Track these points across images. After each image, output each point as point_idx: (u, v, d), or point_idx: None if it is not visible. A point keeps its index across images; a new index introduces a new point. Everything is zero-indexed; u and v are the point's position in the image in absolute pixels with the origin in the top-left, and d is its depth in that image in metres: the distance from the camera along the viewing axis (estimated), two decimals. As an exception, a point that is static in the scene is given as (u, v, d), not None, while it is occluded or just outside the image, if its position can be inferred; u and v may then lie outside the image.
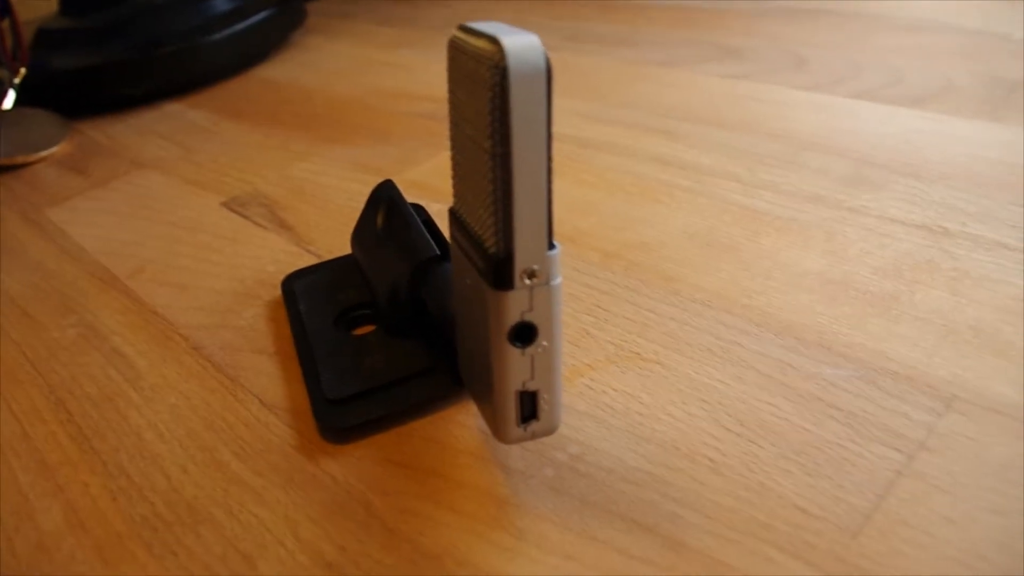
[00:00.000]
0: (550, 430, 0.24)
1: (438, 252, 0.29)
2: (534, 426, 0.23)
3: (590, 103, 0.49)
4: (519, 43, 0.19)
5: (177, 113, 0.58)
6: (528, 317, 0.22)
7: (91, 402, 0.31)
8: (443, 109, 0.51)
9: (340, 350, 0.30)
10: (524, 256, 0.21)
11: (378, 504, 0.25)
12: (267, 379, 0.30)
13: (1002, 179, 0.36)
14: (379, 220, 0.33)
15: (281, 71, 0.63)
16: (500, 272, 0.21)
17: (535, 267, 0.21)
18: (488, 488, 0.25)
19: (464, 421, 0.27)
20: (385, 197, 0.33)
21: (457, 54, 0.21)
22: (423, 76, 0.58)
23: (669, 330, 0.30)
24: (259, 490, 0.26)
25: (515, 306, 0.21)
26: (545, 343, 0.22)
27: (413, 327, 0.30)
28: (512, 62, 0.19)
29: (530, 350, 0.22)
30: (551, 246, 0.21)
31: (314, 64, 0.64)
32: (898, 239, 0.33)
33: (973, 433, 0.25)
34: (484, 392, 0.24)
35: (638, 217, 0.37)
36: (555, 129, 0.45)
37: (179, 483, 0.27)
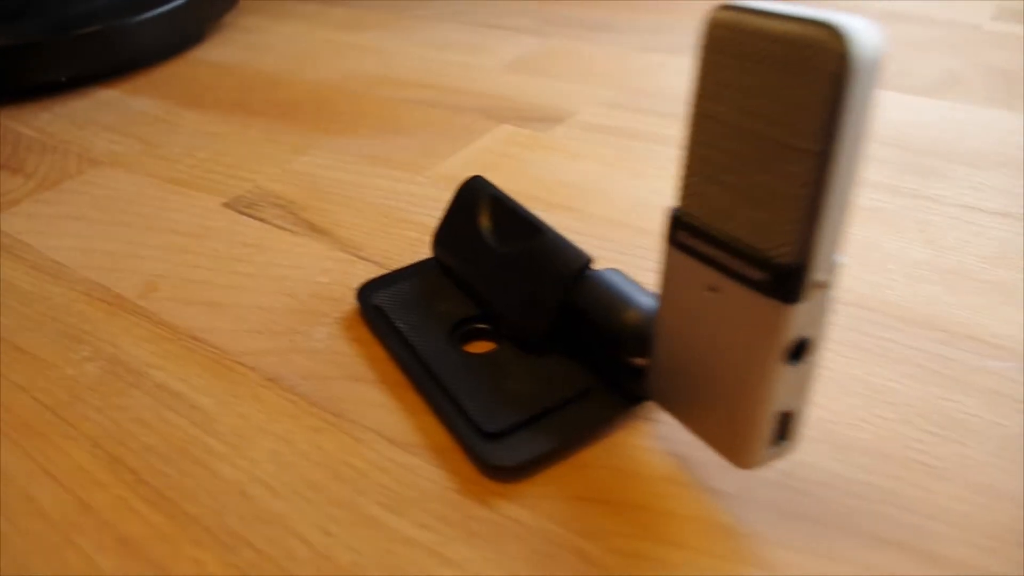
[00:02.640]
0: (791, 451, 0.21)
1: (590, 257, 0.26)
2: (781, 448, 0.21)
3: (611, 90, 0.47)
4: (858, 27, 0.16)
5: (114, 101, 0.50)
6: (807, 332, 0.19)
7: (157, 455, 0.25)
8: (443, 97, 0.47)
9: (469, 373, 0.26)
10: (819, 266, 0.18)
11: (590, 549, 0.21)
12: (382, 412, 0.26)
13: (1045, 164, 0.38)
14: (484, 222, 0.29)
15: (226, 54, 0.56)
16: (792, 283, 0.18)
17: (825, 278, 0.19)
18: (706, 517, 0.22)
19: (640, 444, 0.25)
20: (486, 196, 0.29)
21: (738, 35, 0.18)
22: (402, 61, 0.53)
23: (812, 329, 0.28)
24: (435, 547, 0.22)
25: (800, 320, 0.19)
26: (812, 358, 0.20)
27: (549, 342, 0.27)
28: (855, 49, 0.16)
29: (799, 367, 0.20)
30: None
31: (265, 47, 0.57)
32: (988, 227, 0.33)
33: None
34: (714, 412, 0.22)
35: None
36: (588, 119, 0.43)
37: (326, 548, 0.22)
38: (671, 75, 0.48)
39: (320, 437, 0.25)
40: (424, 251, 0.33)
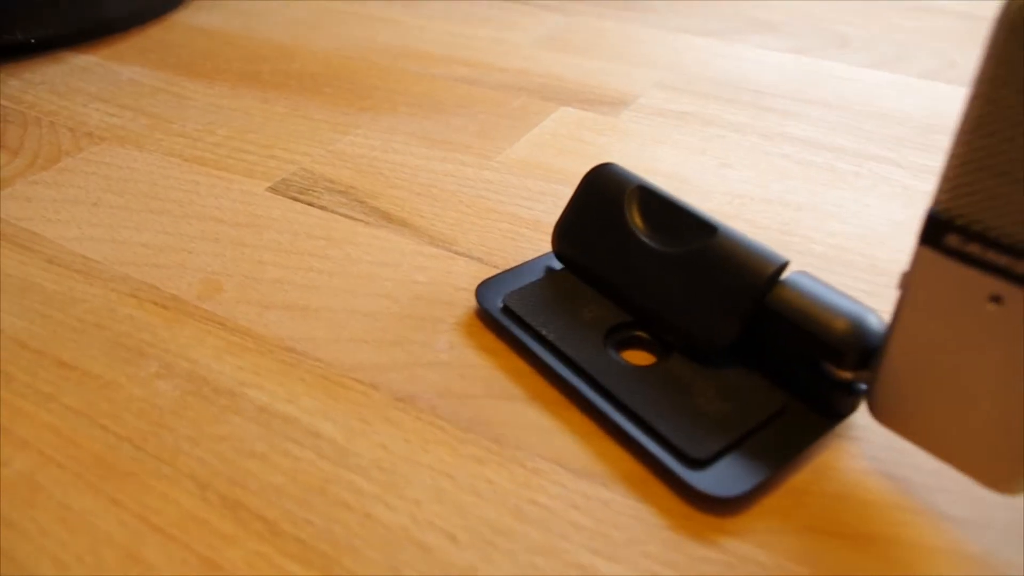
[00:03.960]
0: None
1: (786, 259, 0.23)
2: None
3: (664, 73, 0.43)
4: None
5: (96, 68, 0.43)
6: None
7: (289, 498, 0.20)
8: (482, 75, 0.43)
9: (648, 387, 0.23)
10: None
11: (850, 596, 0.19)
12: (549, 436, 0.22)
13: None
14: (635, 217, 0.25)
15: (216, 20, 0.49)
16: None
17: None
18: (953, 548, 0.20)
19: (853, 466, 0.22)
20: (632, 186, 0.26)
21: None
22: (422, 34, 0.48)
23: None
24: (671, 600, 0.18)
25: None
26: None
27: (729, 353, 0.23)
28: None
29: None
30: None
31: (259, 13, 0.51)
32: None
33: None
34: (973, 434, 0.19)
35: (828, 206, 0.33)
36: (653, 102, 0.40)
37: (541, 608, 0.18)
38: (716, 58, 0.46)
39: (486, 470, 0.21)
40: (528, 246, 0.30)
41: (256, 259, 0.29)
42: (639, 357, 0.25)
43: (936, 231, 0.19)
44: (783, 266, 0.23)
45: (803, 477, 0.22)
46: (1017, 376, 0.18)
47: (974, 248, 0.18)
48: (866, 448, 0.22)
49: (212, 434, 0.22)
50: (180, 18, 0.49)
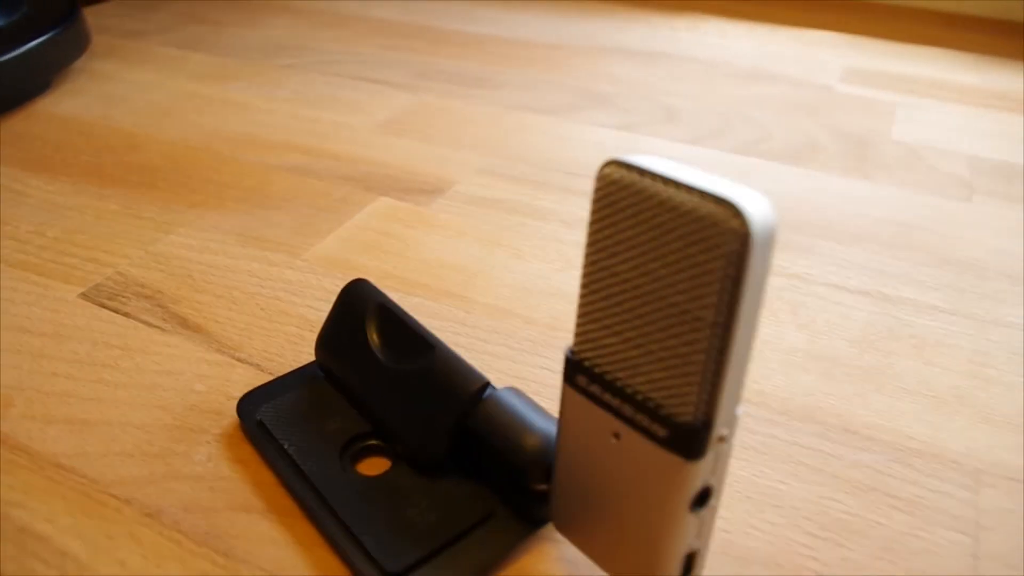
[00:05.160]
0: (696, 583, 0.22)
1: (486, 380, 0.25)
2: (687, 582, 0.22)
3: (487, 156, 0.46)
4: (754, 202, 0.17)
5: (-55, 164, 0.45)
6: (709, 481, 0.20)
7: (21, 618, 0.23)
8: (315, 163, 0.45)
9: (365, 500, 0.25)
10: (721, 423, 0.19)
11: None
12: (274, 548, 0.25)
13: (901, 239, 0.41)
14: (373, 334, 0.28)
15: (78, 106, 0.52)
16: (695, 441, 0.19)
17: (726, 432, 0.19)
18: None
19: (547, 570, 0.24)
20: (373, 304, 0.28)
21: (632, 197, 0.18)
22: (270, 118, 0.50)
23: (700, 426, 0.29)
24: None
25: (703, 474, 0.19)
26: (714, 502, 0.20)
27: (447, 462, 0.26)
28: (755, 227, 0.16)
29: (702, 512, 0.20)
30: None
31: (119, 98, 0.53)
32: (852, 307, 0.36)
33: (1011, 505, 0.27)
34: (619, 548, 0.22)
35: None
36: (468, 189, 0.43)
37: None
38: (543, 137, 0.48)
39: (209, 584, 0.24)
40: (306, 350, 0.32)
41: (51, 371, 0.31)
42: (375, 465, 0.27)
43: (570, 370, 0.21)
44: (482, 387, 0.25)
45: (501, 580, 0.24)
46: (642, 502, 0.20)
47: (596, 389, 0.21)
48: (563, 550, 0.25)
49: (-34, 557, 0.24)
50: (43, 105, 0.52)
